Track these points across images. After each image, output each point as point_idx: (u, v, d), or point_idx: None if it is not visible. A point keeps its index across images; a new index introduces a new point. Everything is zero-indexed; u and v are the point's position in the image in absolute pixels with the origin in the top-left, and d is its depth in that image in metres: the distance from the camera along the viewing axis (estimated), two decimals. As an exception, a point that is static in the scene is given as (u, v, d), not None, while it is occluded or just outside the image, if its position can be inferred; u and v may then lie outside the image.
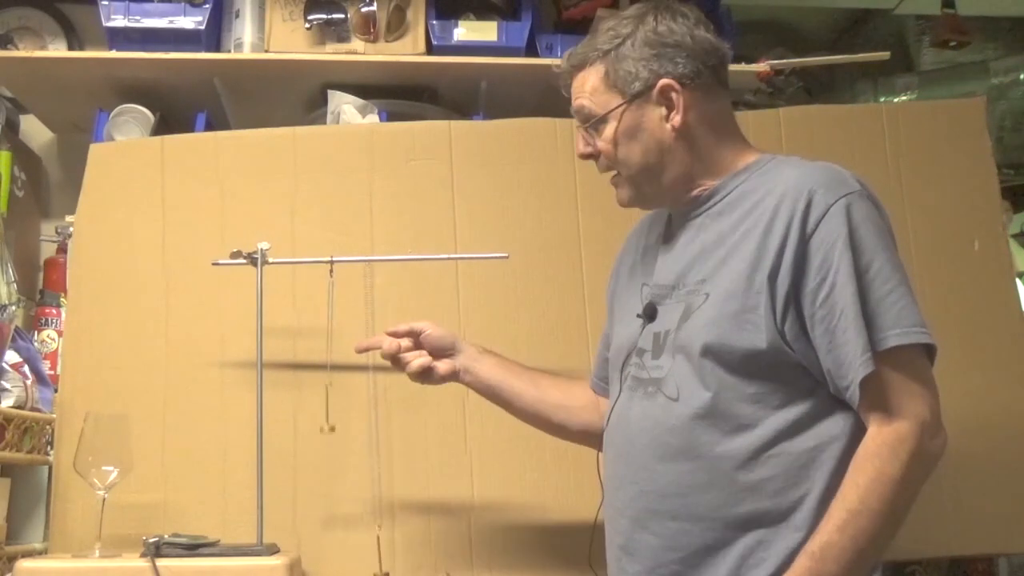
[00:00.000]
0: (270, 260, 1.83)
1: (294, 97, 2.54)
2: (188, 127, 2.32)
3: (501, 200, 2.04)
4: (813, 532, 1.22)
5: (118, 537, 1.70)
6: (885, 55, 2.49)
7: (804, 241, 1.26)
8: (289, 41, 2.38)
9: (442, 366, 1.57)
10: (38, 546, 2.06)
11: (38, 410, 2.05)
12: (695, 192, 1.40)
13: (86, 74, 2.37)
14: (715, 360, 1.28)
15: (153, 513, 1.82)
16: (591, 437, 1.53)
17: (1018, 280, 2.26)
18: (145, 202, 2.00)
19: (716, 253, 1.34)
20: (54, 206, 2.64)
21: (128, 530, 1.74)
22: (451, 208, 2.03)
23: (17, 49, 2.54)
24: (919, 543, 1.77)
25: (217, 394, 1.89)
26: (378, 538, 1.78)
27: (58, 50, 2.59)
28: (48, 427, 2.04)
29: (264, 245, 1.83)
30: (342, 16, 2.38)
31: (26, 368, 2.06)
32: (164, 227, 1.98)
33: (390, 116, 2.35)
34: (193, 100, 2.40)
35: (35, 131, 2.69)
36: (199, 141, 2.14)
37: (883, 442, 1.22)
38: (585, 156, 1.44)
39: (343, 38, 2.39)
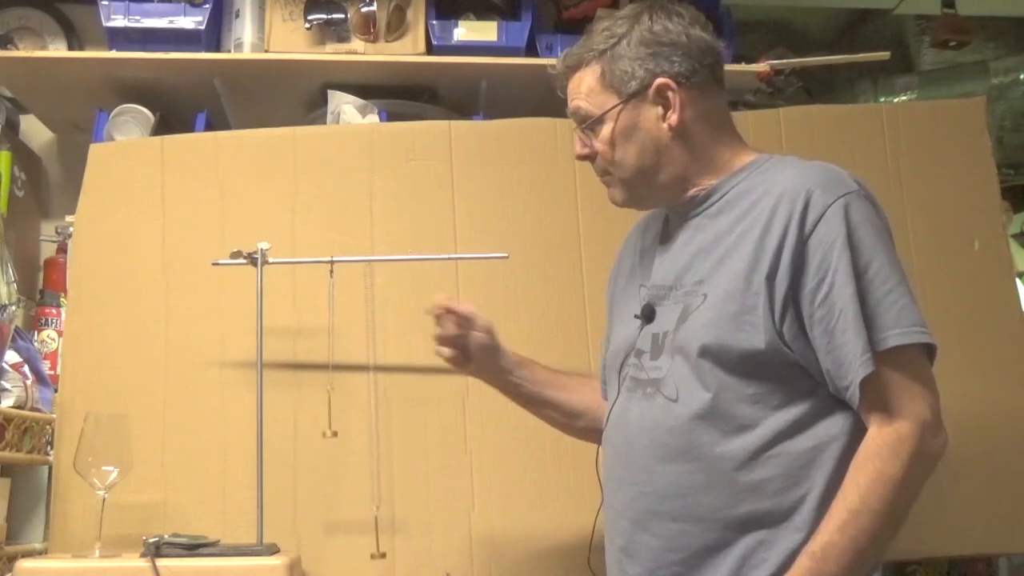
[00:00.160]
0: (270, 260, 1.83)
1: (294, 97, 2.54)
2: (188, 127, 2.32)
3: (501, 200, 2.04)
4: (814, 532, 1.22)
5: (118, 537, 1.70)
6: (885, 55, 2.49)
7: (802, 242, 1.26)
8: (289, 41, 2.38)
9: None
10: (38, 546, 2.05)
11: (38, 410, 2.05)
12: (692, 192, 1.40)
13: (86, 74, 2.37)
14: (713, 361, 1.28)
15: (153, 513, 1.82)
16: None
17: (1018, 280, 2.26)
18: (145, 202, 2.00)
19: (713, 253, 1.33)
20: (54, 206, 2.64)
21: (128, 530, 1.74)
22: (451, 208, 2.03)
23: (17, 49, 2.54)
24: (919, 543, 1.77)
25: (217, 394, 1.89)
26: (376, 519, 1.78)
27: (58, 50, 2.59)
28: (48, 427, 2.04)
29: (264, 245, 1.83)
30: (342, 16, 2.38)
31: (26, 368, 2.06)
32: (164, 227, 1.98)
33: (390, 116, 2.35)
34: (193, 100, 2.40)
35: (35, 131, 2.69)
36: (199, 141, 2.14)
37: (884, 442, 1.21)
38: (582, 157, 1.44)
39: (343, 38, 2.39)
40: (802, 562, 1.21)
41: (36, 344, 2.28)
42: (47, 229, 2.59)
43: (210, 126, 2.35)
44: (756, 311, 1.26)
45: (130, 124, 2.31)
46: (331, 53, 2.38)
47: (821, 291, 1.25)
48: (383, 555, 1.79)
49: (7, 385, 1.97)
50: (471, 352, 1.53)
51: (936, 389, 1.25)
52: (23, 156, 2.55)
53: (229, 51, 2.39)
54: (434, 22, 2.39)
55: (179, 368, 1.91)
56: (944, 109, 2.23)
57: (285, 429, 1.86)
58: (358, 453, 1.86)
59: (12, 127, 2.61)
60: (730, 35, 2.50)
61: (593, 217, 2.01)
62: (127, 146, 2.19)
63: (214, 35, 2.39)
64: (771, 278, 1.26)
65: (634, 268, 1.51)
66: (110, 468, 1.66)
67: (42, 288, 2.47)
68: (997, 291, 2.04)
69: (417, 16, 2.39)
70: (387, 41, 2.38)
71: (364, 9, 2.36)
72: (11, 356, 2.02)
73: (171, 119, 2.42)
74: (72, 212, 2.04)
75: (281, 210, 2.00)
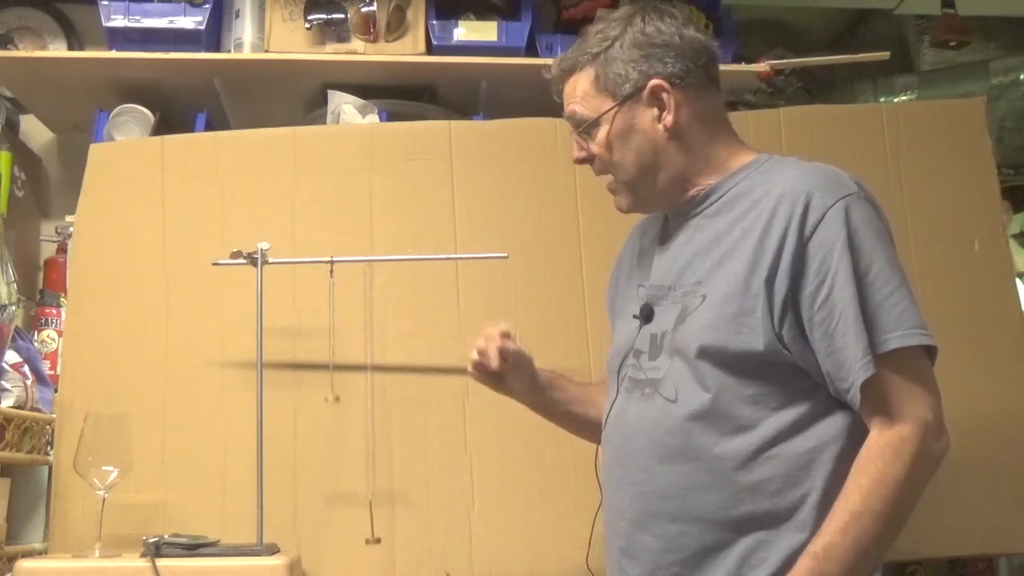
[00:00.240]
0: (270, 260, 1.83)
1: (294, 97, 2.54)
2: (188, 127, 2.32)
3: (501, 200, 2.04)
4: (814, 532, 1.22)
5: (118, 537, 1.70)
6: (885, 55, 2.49)
7: (802, 244, 1.25)
8: (289, 41, 2.38)
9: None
10: (38, 546, 2.06)
11: (38, 410, 2.05)
12: (691, 192, 1.40)
13: (86, 74, 2.37)
14: (712, 362, 1.28)
15: (153, 513, 1.82)
16: None
17: (1018, 280, 2.26)
18: (145, 202, 2.00)
19: (712, 254, 1.33)
20: (54, 206, 2.64)
21: (128, 530, 1.74)
22: (451, 208, 2.03)
23: (17, 49, 2.54)
24: (919, 543, 1.77)
25: (217, 394, 1.89)
26: (370, 503, 1.79)
27: (58, 50, 2.59)
28: (48, 427, 2.04)
29: (264, 245, 1.83)
30: (342, 16, 2.38)
31: (26, 368, 2.06)
32: (164, 227, 1.99)
33: (390, 116, 2.35)
34: (193, 100, 2.40)
35: (35, 131, 2.69)
36: (199, 141, 2.14)
37: (886, 444, 1.21)
38: (580, 161, 1.43)
39: (343, 38, 2.39)
40: (804, 562, 1.21)
41: (36, 344, 2.28)
42: (47, 229, 2.59)
43: (210, 126, 2.35)
44: (755, 313, 1.26)
45: (130, 124, 2.31)
46: (331, 53, 2.38)
47: (821, 294, 1.24)
48: (378, 540, 1.78)
49: (7, 385, 1.98)
50: (507, 381, 1.53)
51: (938, 391, 1.25)
52: (23, 156, 2.55)
53: (229, 51, 2.39)
54: (434, 22, 2.39)
55: (179, 368, 1.91)
56: (944, 109, 2.23)
57: (285, 429, 1.86)
58: (358, 452, 1.86)
59: (12, 127, 2.61)
60: (730, 35, 2.50)
61: (593, 217, 2.01)
62: (127, 146, 2.19)
63: (214, 35, 2.39)
64: (770, 281, 1.26)
65: (633, 268, 1.51)
66: (110, 468, 1.66)
67: (42, 288, 2.47)
68: (997, 291, 2.04)
69: (417, 16, 2.40)
70: (387, 41, 2.38)
71: (364, 9, 2.36)
72: (11, 356, 2.02)
73: (171, 119, 2.42)
74: (72, 212, 2.04)
75: (281, 210, 2.00)
